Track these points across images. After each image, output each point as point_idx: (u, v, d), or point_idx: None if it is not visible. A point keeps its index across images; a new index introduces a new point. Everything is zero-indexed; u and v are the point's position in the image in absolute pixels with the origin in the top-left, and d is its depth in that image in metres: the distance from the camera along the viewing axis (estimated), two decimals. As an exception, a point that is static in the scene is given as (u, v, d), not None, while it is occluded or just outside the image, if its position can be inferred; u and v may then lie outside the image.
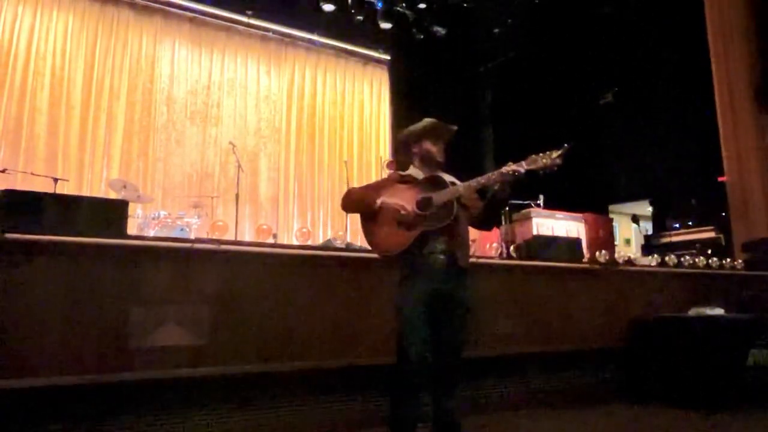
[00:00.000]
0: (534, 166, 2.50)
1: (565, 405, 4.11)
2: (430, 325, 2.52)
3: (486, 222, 2.81)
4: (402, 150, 2.87)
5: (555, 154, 2.48)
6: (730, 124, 7.36)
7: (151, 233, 5.97)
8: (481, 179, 2.57)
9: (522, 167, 2.51)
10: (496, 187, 2.62)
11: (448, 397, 2.55)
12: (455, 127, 2.78)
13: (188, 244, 3.19)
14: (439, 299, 2.53)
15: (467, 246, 2.74)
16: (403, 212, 2.56)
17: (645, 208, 11.73)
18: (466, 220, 2.71)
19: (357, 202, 2.77)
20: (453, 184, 2.65)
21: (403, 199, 2.61)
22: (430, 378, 2.54)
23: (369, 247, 2.81)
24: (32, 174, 6.44)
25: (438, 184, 2.62)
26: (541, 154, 2.50)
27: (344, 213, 7.72)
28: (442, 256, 2.55)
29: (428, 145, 2.75)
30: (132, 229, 5.27)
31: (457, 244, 2.61)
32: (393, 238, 2.60)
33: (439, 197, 2.57)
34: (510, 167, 2.52)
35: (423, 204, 2.59)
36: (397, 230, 2.59)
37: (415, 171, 2.79)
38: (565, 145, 2.48)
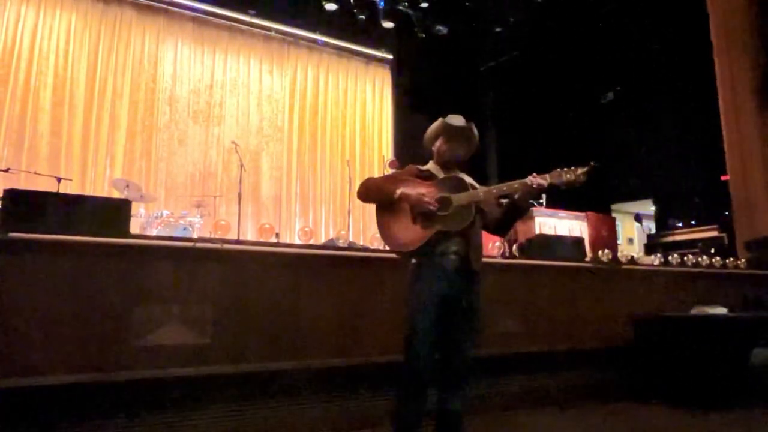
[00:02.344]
0: (557, 181, 2.49)
1: (568, 404, 4.11)
2: (440, 325, 2.51)
3: (501, 228, 2.80)
4: (426, 147, 2.89)
5: (580, 170, 2.48)
6: (733, 123, 7.35)
7: (154, 232, 5.98)
8: (503, 187, 2.57)
9: (545, 180, 2.50)
10: (516, 197, 2.61)
11: (455, 397, 2.53)
12: (467, 126, 2.75)
13: (191, 244, 3.19)
14: (450, 300, 2.52)
15: (480, 249, 2.73)
16: (423, 204, 2.53)
17: (648, 207, 11.71)
18: (481, 224, 2.70)
19: (375, 190, 2.72)
20: (473, 186, 2.64)
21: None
22: (437, 377, 2.53)
23: (372, 246, 2.80)
24: (35, 173, 6.46)
25: (458, 186, 2.61)
26: (565, 169, 2.49)
27: (347, 212, 7.74)
28: (455, 257, 2.54)
29: (440, 143, 2.74)
30: (135, 228, 5.26)
31: (471, 246, 2.59)
32: (408, 234, 2.58)
33: (458, 199, 2.56)
34: (534, 179, 2.51)
35: (441, 203, 2.57)
36: (413, 226, 2.57)
37: (434, 167, 2.78)
38: (591, 163, 2.47)
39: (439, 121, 2.77)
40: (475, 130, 2.80)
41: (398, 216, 2.62)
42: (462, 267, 2.56)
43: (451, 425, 2.52)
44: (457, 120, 2.76)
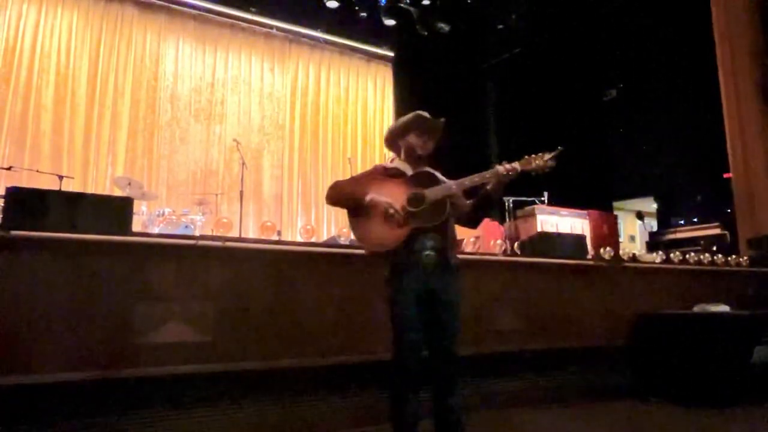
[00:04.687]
0: (527, 167, 2.48)
1: (570, 402, 4.11)
2: (423, 323, 2.49)
3: (473, 220, 2.77)
4: (390, 142, 2.85)
5: (548, 156, 2.47)
6: (735, 120, 7.33)
7: (156, 230, 5.99)
8: (475, 178, 2.54)
9: (516, 168, 2.49)
10: (488, 187, 2.59)
11: (449, 395, 2.50)
12: (441, 121, 2.70)
13: (193, 241, 3.19)
14: (430, 297, 2.50)
15: (456, 244, 2.72)
16: (391, 211, 2.50)
17: (650, 205, 11.70)
18: (454, 218, 2.68)
19: (345, 196, 2.66)
20: (443, 181, 2.62)
21: (393, 195, 2.55)
22: (429, 375, 2.51)
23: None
24: (37, 171, 6.47)
25: (429, 181, 2.58)
26: (534, 155, 2.49)
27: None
28: (432, 254, 2.51)
29: (412, 138, 2.70)
30: (137, 226, 5.29)
31: (447, 242, 2.57)
32: (383, 235, 2.54)
33: (431, 194, 2.53)
34: (504, 167, 2.50)
35: (414, 200, 2.54)
36: (388, 227, 2.53)
37: (401, 164, 2.74)
38: (559, 147, 2.47)
39: (415, 113, 2.71)
40: None
41: (371, 216, 2.57)
42: (440, 262, 2.53)
43: (450, 423, 2.50)
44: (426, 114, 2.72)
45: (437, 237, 2.54)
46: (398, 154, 2.81)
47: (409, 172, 2.68)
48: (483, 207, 2.70)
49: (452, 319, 2.56)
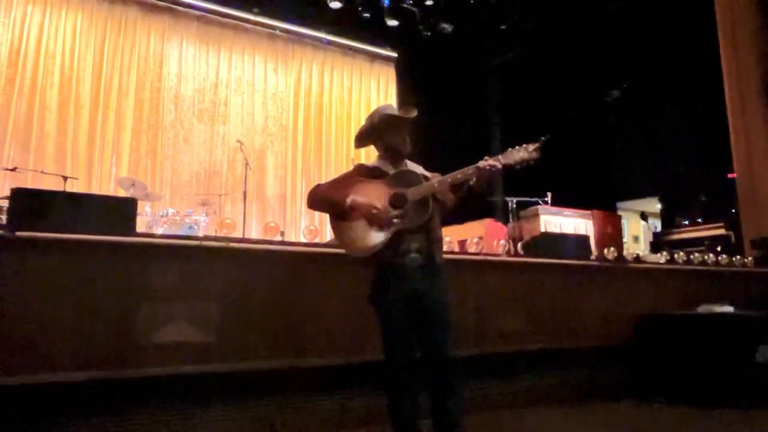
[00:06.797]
0: (511, 161, 2.46)
1: (572, 402, 4.10)
2: (413, 324, 2.47)
3: (456, 215, 2.73)
4: (362, 145, 2.82)
5: (532, 147, 2.45)
6: (739, 120, 7.30)
7: (160, 231, 6.01)
8: (458, 174, 2.50)
9: (499, 162, 2.46)
10: (471, 182, 2.55)
11: (446, 397, 2.47)
12: (414, 114, 2.64)
13: (196, 242, 3.20)
14: (418, 298, 2.48)
15: (441, 241, 2.69)
16: (374, 212, 2.47)
17: (654, 205, 11.67)
18: (439, 214, 2.65)
19: (324, 201, 2.64)
20: (425, 177, 2.59)
21: (374, 196, 2.52)
22: (424, 377, 2.49)
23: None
24: (42, 172, 6.51)
25: (411, 179, 2.55)
26: (517, 147, 2.46)
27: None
28: (418, 255, 2.50)
29: (390, 139, 2.67)
30: (141, 227, 5.29)
31: (432, 241, 2.55)
32: (366, 238, 2.51)
33: (414, 193, 2.50)
34: (486, 162, 2.47)
35: (397, 201, 2.51)
36: (371, 230, 2.51)
37: (382, 163, 2.71)
38: (542, 137, 2.45)
39: (385, 114, 2.66)
40: None
41: (354, 221, 2.54)
42: (425, 263, 2.52)
43: (447, 425, 2.47)
44: (402, 110, 2.68)
45: (422, 237, 2.52)
46: (379, 154, 2.77)
47: (391, 170, 2.65)
48: (466, 203, 2.66)
49: (442, 320, 2.53)
